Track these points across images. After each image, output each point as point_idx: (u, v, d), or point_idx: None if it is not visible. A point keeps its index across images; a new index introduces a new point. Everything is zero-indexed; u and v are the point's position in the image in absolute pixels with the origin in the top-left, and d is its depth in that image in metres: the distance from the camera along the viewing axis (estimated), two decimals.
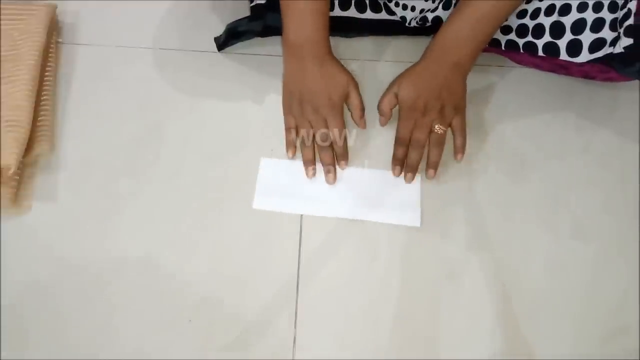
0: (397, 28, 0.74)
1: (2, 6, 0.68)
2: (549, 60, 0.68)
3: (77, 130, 0.66)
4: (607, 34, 0.60)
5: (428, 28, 0.71)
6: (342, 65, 0.65)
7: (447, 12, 0.68)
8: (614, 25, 0.59)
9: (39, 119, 0.64)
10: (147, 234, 0.60)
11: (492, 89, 0.72)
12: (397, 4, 0.71)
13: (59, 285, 0.57)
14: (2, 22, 0.67)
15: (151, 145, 0.65)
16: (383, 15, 0.74)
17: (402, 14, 0.71)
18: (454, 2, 0.68)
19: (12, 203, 0.60)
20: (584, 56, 0.62)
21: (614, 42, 0.59)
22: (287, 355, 0.56)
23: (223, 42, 0.71)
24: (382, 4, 0.73)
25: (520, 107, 0.71)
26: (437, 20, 0.69)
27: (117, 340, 0.55)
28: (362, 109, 0.65)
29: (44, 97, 0.66)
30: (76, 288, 0.57)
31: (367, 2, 0.73)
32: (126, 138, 0.66)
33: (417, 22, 0.71)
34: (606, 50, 0.60)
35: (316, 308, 0.58)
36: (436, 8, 0.68)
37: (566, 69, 0.69)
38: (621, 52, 0.58)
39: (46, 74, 0.68)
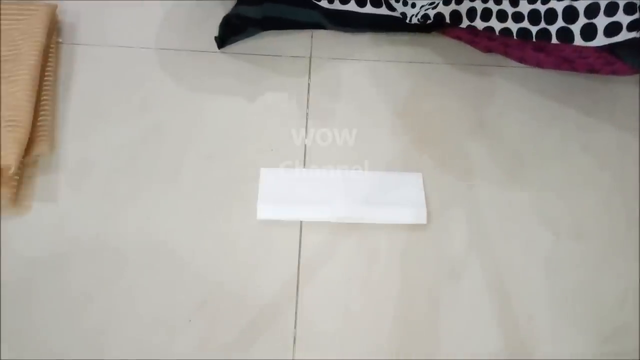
0: (397, 24, 0.73)
1: (2, 6, 0.68)
2: (554, 55, 0.68)
3: (77, 130, 0.66)
4: (622, 17, 0.58)
5: (429, 25, 0.71)
6: None
7: (449, 8, 0.68)
8: (628, 9, 0.58)
9: (39, 119, 0.64)
10: (147, 233, 0.60)
11: (492, 89, 0.72)
12: (397, 0, 0.71)
13: (58, 285, 0.57)
14: (2, 22, 0.67)
15: (151, 145, 0.65)
16: (383, 10, 0.73)
17: (403, 10, 0.71)
18: None
19: (12, 203, 0.60)
20: (600, 40, 0.61)
21: (633, 26, 0.58)
22: (287, 355, 0.56)
23: (222, 37, 0.71)
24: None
25: (520, 107, 0.71)
26: (440, 17, 0.69)
27: (118, 339, 0.55)
28: None
29: (44, 97, 0.66)
30: (76, 288, 0.57)
31: None
32: (126, 138, 0.66)
33: (418, 20, 0.70)
34: (626, 35, 0.59)
35: (316, 308, 0.58)
36: (437, 4, 0.67)
37: (571, 63, 0.68)
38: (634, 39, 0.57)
39: (46, 74, 0.68)
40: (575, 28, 0.62)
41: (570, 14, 0.61)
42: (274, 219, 0.62)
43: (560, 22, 0.62)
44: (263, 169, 0.64)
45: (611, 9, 0.59)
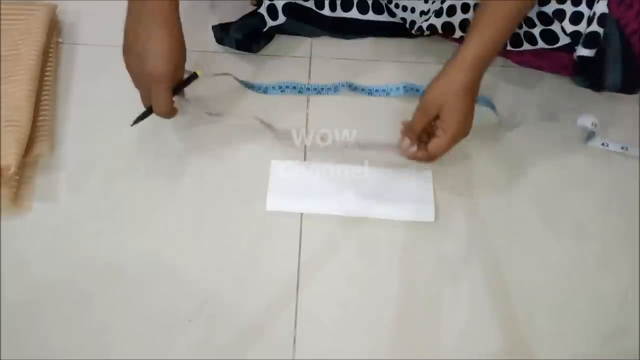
0: (398, 31, 0.74)
1: (2, 6, 0.68)
2: (552, 62, 0.68)
3: (77, 130, 0.66)
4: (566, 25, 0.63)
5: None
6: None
7: (440, 20, 0.68)
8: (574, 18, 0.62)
9: (39, 119, 0.64)
10: (147, 233, 0.60)
11: (493, 89, 0.72)
12: (397, 6, 0.71)
13: (59, 285, 0.57)
14: (2, 22, 0.67)
15: (151, 145, 0.65)
16: (385, 17, 0.73)
17: (402, 16, 0.71)
18: (445, 9, 0.67)
19: (12, 203, 0.60)
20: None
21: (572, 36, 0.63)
22: (287, 355, 0.56)
23: (220, 41, 0.71)
24: (383, 6, 0.73)
25: (520, 107, 0.71)
26: (433, 29, 0.69)
27: (118, 339, 0.55)
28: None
29: (44, 97, 0.66)
30: (76, 288, 0.57)
31: (370, 3, 0.73)
32: (126, 138, 0.66)
33: (414, 32, 0.71)
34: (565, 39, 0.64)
35: (316, 308, 0.58)
36: (437, 11, 0.68)
37: (568, 70, 0.69)
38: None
39: (46, 74, 0.68)
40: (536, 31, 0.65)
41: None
42: (282, 211, 0.62)
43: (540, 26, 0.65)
44: (273, 161, 0.65)
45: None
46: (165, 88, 0.54)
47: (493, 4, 0.54)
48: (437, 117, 0.56)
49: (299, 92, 0.70)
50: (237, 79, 0.68)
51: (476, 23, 0.55)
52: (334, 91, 0.70)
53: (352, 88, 0.70)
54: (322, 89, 0.70)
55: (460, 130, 0.56)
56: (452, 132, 0.55)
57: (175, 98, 0.57)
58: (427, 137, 0.59)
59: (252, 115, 0.65)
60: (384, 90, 0.71)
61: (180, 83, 0.58)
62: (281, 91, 0.70)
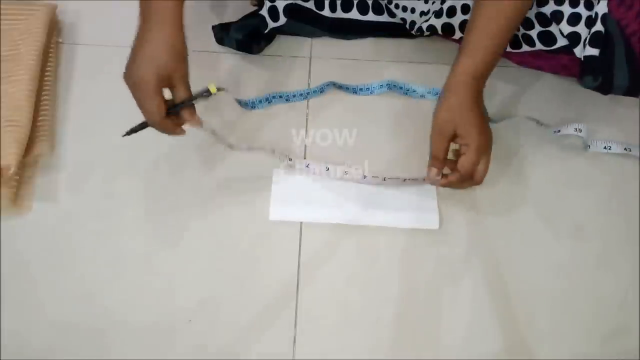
0: (398, 31, 0.74)
1: (2, 6, 0.68)
2: (550, 62, 0.68)
3: (77, 130, 0.66)
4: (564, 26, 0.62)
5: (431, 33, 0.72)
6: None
7: (440, 21, 0.68)
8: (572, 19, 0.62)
9: (39, 119, 0.64)
10: (147, 233, 0.60)
11: (492, 89, 0.72)
12: (397, 6, 0.71)
13: (58, 285, 0.57)
14: (2, 22, 0.67)
15: (151, 145, 0.65)
16: (385, 17, 0.74)
17: (402, 16, 0.72)
18: (445, 10, 0.67)
19: (12, 203, 0.60)
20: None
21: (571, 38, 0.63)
22: (287, 355, 0.56)
23: (220, 41, 0.71)
24: (383, 6, 0.73)
25: (520, 107, 0.71)
26: (433, 30, 0.69)
27: (118, 339, 0.55)
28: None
29: (44, 97, 0.66)
30: (76, 288, 0.57)
31: (370, 4, 0.73)
32: (126, 138, 0.65)
33: (414, 32, 0.71)
34: (562, 41, 0.63)
35: (316, 308, 0.58)
36: (437, 12, 0.68)
37: (569, 70, 0.69)
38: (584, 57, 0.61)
39: (46, 74, 0.68)
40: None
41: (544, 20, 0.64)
42: (285, 221, 0.61)
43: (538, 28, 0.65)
44: (275, 170, 0.64)
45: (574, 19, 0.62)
46: (147, 90, 0.50)
47: (489, 5, 0.54)
48: (454, 137, 0.56)
49: (286, 100, 0.69)
50: (235, 99, 0.66)
51: (474, 28, 0.55)
52: (320, 92, 0.70)
53: (337, 86, 0.70)
54: (307, 93, 0.70)
55: (482, 141, 0.55)
56: (475, 145, 0.55)
57: (204, 128, 0.54)
58: (452, 164, 0.58)
59: (262, 147, 0.63)
60: (367, 89, 0.70)
61: (187, 98, 0.53)
62: (268, 103, 0.69)
